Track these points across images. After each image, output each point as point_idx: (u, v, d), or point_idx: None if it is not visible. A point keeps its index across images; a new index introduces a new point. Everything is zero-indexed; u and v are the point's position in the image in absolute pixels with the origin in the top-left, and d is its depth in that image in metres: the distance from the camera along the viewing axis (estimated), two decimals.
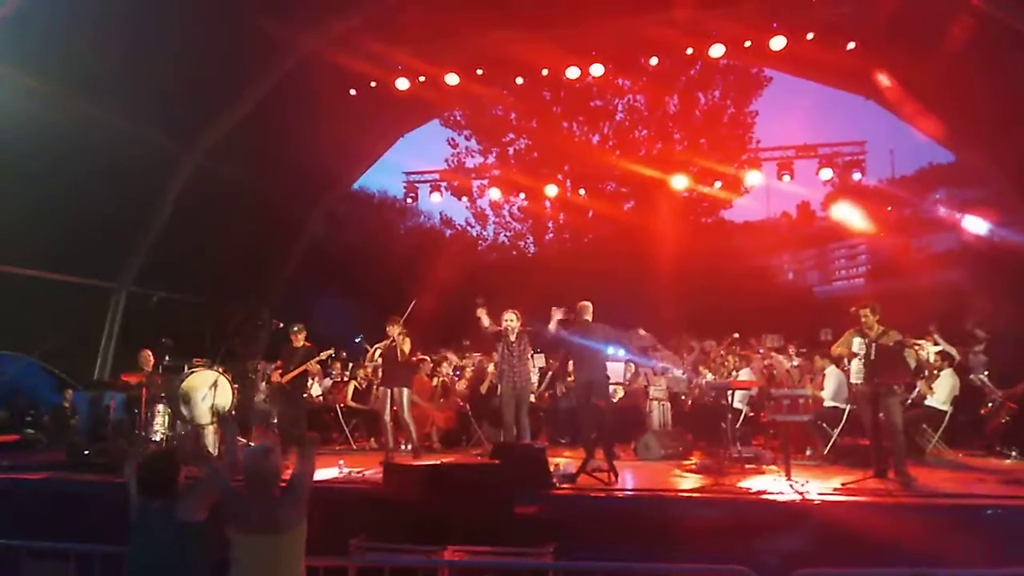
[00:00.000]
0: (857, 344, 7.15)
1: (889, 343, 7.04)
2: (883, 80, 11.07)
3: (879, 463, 6.92)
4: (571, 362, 8.76)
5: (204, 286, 12.22)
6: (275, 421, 9.72)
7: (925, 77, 10.55)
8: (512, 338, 8.64)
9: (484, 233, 23.10)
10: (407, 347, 8.84)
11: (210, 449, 8.47)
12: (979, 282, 11.93)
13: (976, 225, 12.22)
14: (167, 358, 9.24)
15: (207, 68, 10.00)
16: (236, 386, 9.04)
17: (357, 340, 10.59)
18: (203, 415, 8.47)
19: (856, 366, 7.17)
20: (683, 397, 10.16)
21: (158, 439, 8.58)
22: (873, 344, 7.02)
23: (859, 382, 7.18)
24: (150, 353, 9.24)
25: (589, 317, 8.36)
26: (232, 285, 12.83)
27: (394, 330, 8.84)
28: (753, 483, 6.94)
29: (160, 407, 8.70)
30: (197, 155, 11.16)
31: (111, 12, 8.53)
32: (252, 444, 7.97)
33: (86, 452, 8.45)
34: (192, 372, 8.67)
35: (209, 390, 8.46)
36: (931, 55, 9.69)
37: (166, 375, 9.07)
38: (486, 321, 8.77)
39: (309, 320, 9.57)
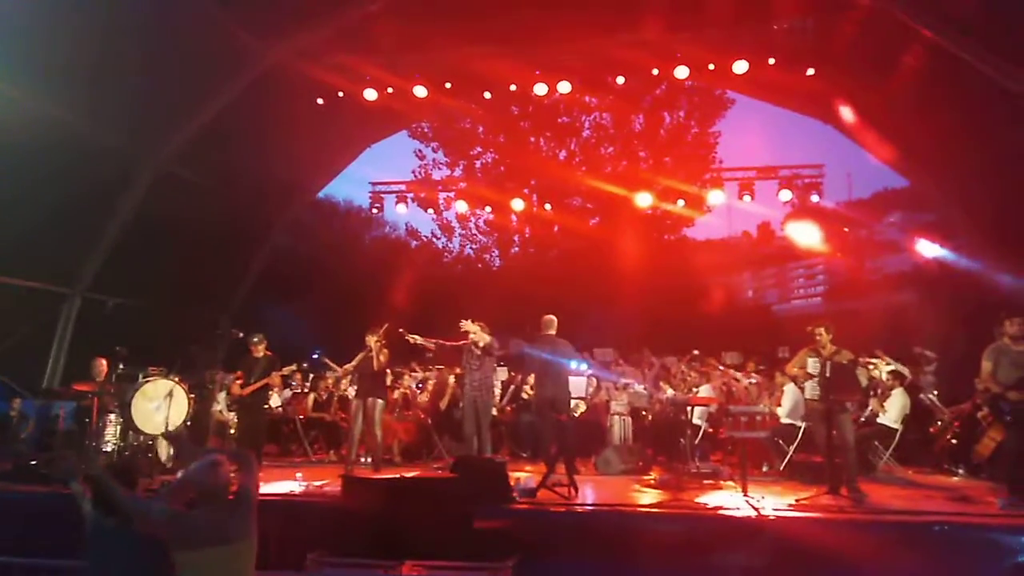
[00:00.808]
0: (811, 363, 7.33)
1: (843, 361, 7.23)
2: (840, 106, 11.41)
3: (832, 480, 7.07)
4: (532, 376, 8.79)
5: (162, 293, 11.95)
6: (232, 432, 9.54)
7: (880, 104, 10.89)
8: (476, 351, 8.64)
9: (450, 245, 23.17)
10: (383, 358, 8.78)
11: (163, 462, 8.27)
12: (930, 304, 12.33)
13: (928, 248, 12.63)
14: (121, 366, 9.00)
15: (172, 72, 9.84)
16: (193, 396, 8.86)
17: (315, 355, 10.47)
18: (157, 426, 8.26)
19: (810, 384, 7.33)
20: (644, 412, 10.26)
21: (109, 450, 8.35)
22: (827, 362, 7.20)
23: (813, 399, 7.35)
24: (104, 361, 9.01)
25: (553, 331, 8.40)
26: (191, 293, 12.58)
27: (372, 340, 8.77)
28: (710, 498, 7.02)
29: (112, 417, 8.48)
30: (159, 159, 10.95)
31: (73, 11, 8.36)
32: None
33: (33, 462, 8.17)
34: (147, 381, 8.46)
35: (164, 400, 8.26)
36: (885, 83, 10.03)
37: (119, 384, 8.84)
38: (428, 344, 8.87)
39: (270, 329, 9.44)
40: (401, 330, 8.96)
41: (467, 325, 8.66)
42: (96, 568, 3.85)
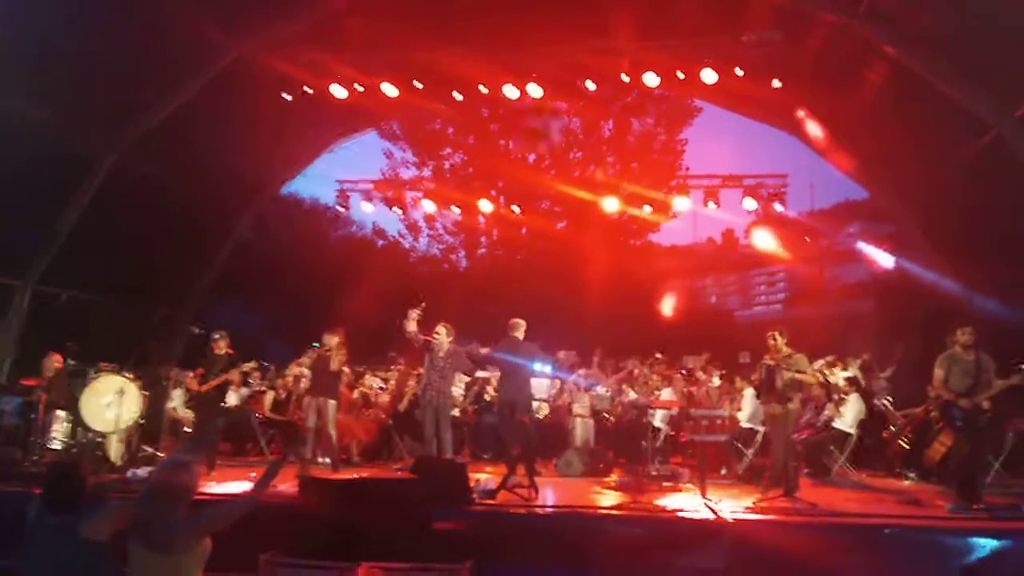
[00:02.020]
0: (762, 369, 7.53)
1: (797, 366, 7.37)
2: (804, 118, 11.62)
3: (788, 483, 7.18)
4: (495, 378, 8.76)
5: (118, 287, 11.62)
6: (187, 431, 9.33)
7: (842, 117, 11.12)
8: (440, 353, 8.56)
9: (416, 245, 23.02)
10: (340, 360, 8.66)
11: (112, 460, 8.05)
12: (885, 312, 12.62)
13: (885, 259, 12.93)
14: (71, 362, 8.74)
15: (133, 65, 9.60)
16: (147, 393, 8.63)
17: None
18: (107, 423, 8.03)
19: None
20: (606, 415, 10.29)
21: (56, 447, 8.09)
22: (764, 367, 7.44)
23: (762, 403, 7.51)
24: (58, 356, 8.73)
25: (520, 334, 8.38)
26: (148, 288, 12.26)
27: (331, 340, 8.64)
28: (670, 501, 7.08)
29: (60, 414, 8.22)
30: (118, 151, 10.66)
31: (31, 2, 8.11)
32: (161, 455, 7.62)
33: None
34: (97, 377, 8.23)
35: (115, 397, 8.03)
36: (848, 97, 10.24)
37: (69, 380, 8.58)
38: (412, 327, 8.61)
39: (229, 326, 9.25)
40: (421, 298, 8.61)
41: (440, 329, 8.57)
42: (35, 569, 3.69)
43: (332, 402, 8.67)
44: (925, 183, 10.68)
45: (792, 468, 7.31)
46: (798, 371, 7.34)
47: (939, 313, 9.42)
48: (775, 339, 7.56)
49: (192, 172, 11.69)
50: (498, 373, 9.06)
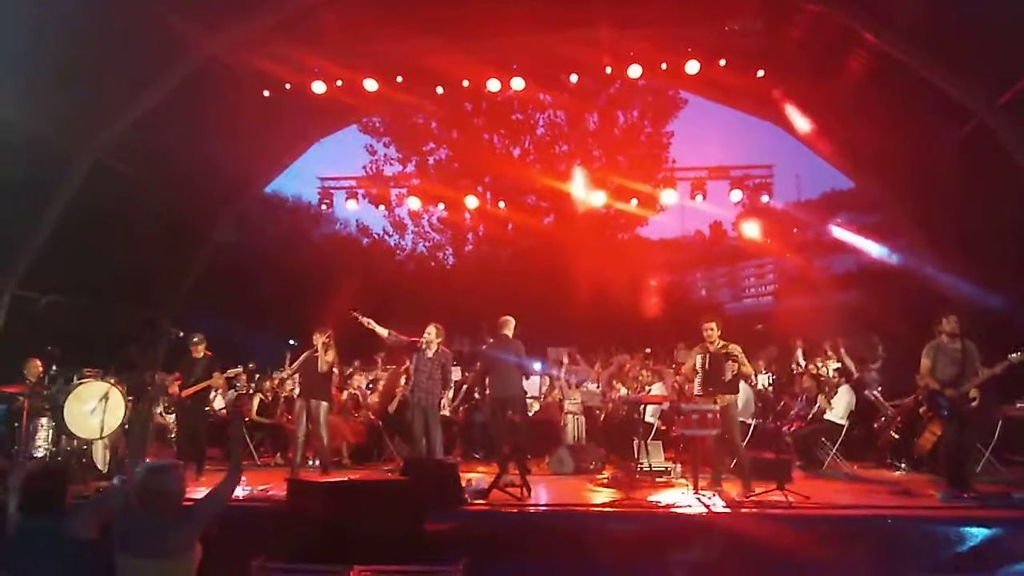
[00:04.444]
0: (699, 359, 7.56)
1: (720, 353, 7.46)
2: (788, 108, 11.61)
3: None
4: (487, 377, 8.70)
5: (99, 290, 11.43)
6: (172, 436, 9.19)
7: (827, 107, 11.13)
8: (429, 354, 8.48)
9: (402, 243, 22.87)
10: (330, 358, 8.56)
11: (99, 467, 7.91)
12: (874, 302, 12.66)
13: (873, 249, 12.97)
14: (53, 367, 8.59)
15: (108, 61, 9.41)
16: (131, 399, 8.49)
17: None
18: (92, 430, 7.88)
19: (697, 380, 7.58)
20: (597, 411, 10.26)
21: (40, 455, 7.94)
22: (707, 355, 7.48)
23: (699, 395, 7.53)
24: (39, 362, 8.57)
25: (510, 332, 8.35)
26: (130, 290, 12.07)
27: (319, 339, 8.53)
28: (663, 496, 7.06)
29: (43, 420, 8.07)
30: (94, 152, 10.48)
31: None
32: (149, 460, 7.49)
33: None
34: (81, 383, 8.08)
35: (99, 403, 7.90)
36: (831, 86, 10.25)
37: (51, 386, 8.42)
38: (384, 331, 8.60)
39: (213, 328, 9.12)
40: (354, 312, 8.68)
41: (431, 329, 8.51)
42: (20, 573, 3.61)
43: (324, 404, 8.57)
44: (910, 171, 10.71)
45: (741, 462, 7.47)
46: (740, 364, 7.40)
47: (927, 302, 9.44)
48: (712, 328, 7.60)
49: (172, 173, 11.51)
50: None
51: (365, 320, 8.61)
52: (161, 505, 3.57)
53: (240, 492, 7.27)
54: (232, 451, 4.24)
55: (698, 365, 7.58)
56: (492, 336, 8.67)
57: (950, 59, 8.53)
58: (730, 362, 7.37)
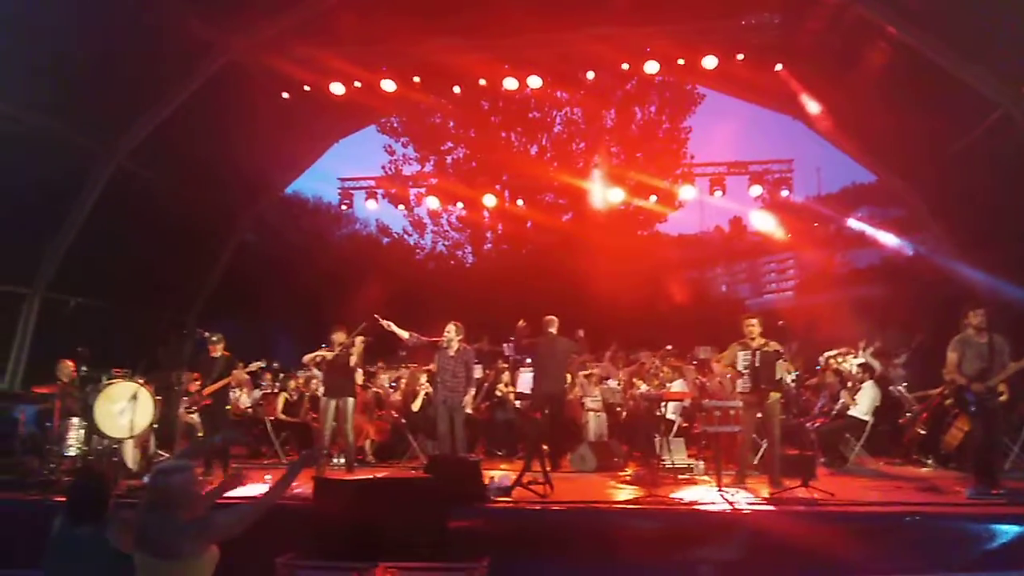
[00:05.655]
0: (741, 357, 7.45)
1: (769, 352, 7.39)
2: (808, 101, 11.50)
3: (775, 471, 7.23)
4: (506, 374, 8.78)
5: (125, 293, 11.63)
6: (200, 435, 9.32)
7: (846, 100, 11.01)
8: (451, 352, 8.54)
9: (422, 242, 22.96)
10: (358, 356, 8.63)
11: (129, 466, 8.04)
12: (898, 296, 12.52)
13: (895, 243, 12.82)
14: (83, 368, 8.74)
15: (131, 66, 9.57)
16: (159, 398, 8.63)
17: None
18: (121, 429, 8.02)
19: (741, 380, 7.48)
20: (618, 408, 10.25)
21: (72, 454, 8.10)
22: (757, 353, 7.36)
23: (744, 392, 7.47)
24: (70, 363, 8.72)
25: (554, 330, 8.51)
26: (155, 292, 12.28)
27: (340, 337, 8.60)
28: (686, 493, 7.04)
29: (75, 421, 8.22)
30: (119, 156, 10.66)
31: (28, 6, 8.08)
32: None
33: None
34: (110, 383, 8.22)
35: (128, 403, 8.03)
36: (852, 79, 10.13)
37: (82, 387, 8.58)
38: (404, 333, 8.70)
39: (237, 328, 9.24)
40: (376, 316, 8.77)
41: (450, 328, 8.59)
42: None
43: (351, 400, 8.62)
44: (934, 164, 10.58)
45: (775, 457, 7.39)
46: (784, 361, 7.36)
47: (952, 296, 9.33)
48: (753, 325, 7.48)
49: (194, 175, 11.69)
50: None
51: (386, 323, 8.69)
52: (168, 506, 3.44)
53: (266, 490, 7.34)
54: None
55: (746, 363, 7.43)
56: (540, 334, 8.92)
57: (971, 50, 8.41)
58: (781, 361, 7.30)
